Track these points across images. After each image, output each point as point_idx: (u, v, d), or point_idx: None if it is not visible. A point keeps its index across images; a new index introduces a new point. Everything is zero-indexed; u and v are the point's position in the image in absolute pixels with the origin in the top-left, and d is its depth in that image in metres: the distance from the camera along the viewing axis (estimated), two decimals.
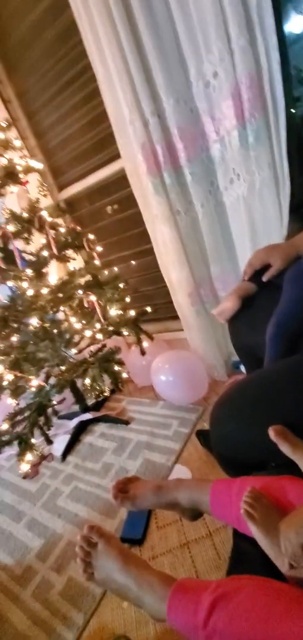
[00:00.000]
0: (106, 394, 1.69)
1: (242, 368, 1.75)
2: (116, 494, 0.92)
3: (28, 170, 1.74)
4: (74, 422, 1.94)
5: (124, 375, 1.66)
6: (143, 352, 1.62)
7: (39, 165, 1.78)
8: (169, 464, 1.50)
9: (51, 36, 1.90)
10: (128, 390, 2.09)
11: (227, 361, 1.83)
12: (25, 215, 1.68)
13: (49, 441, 1.74)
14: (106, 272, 1.70)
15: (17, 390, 1.75)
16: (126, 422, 1.84)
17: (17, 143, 1.77)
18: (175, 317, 1.91)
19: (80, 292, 1.64)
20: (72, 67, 1.91)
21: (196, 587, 0.63)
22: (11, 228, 1.64)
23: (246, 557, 0.71)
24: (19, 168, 1.71)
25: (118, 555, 0.74)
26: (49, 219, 1.70)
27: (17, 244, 1.70)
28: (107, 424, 1.92)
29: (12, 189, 1.77)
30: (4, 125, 1.73)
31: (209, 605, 0.56)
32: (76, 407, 2.02)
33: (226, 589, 0.58)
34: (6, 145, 1.71)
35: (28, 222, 1.68)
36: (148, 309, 1.75)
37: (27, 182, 1.76)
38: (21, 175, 1.73)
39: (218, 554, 1.12)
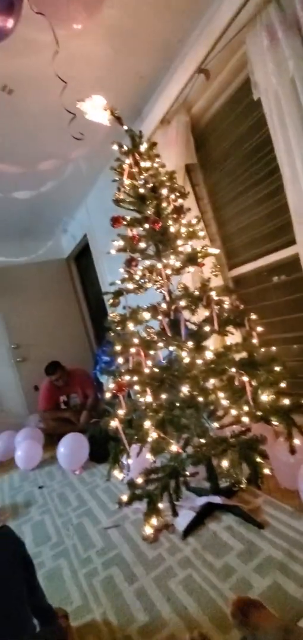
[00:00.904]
0: (242, 486, 1.50)
1: None
2: (236, 612, 0.77)
3: (206, 255, 1.92)
4: (202, 500, 1.76)
5: (266, 471, 1.45)
6: (292, 450, 1.38)
7: (216, 251, 1.93)
8: None
9: (245, 147, 2.17)
10: (268, 487, 1.75)
11: None
12: (196, 293, 1.82)
13: (174, 512, 1.64)
14: (262, 349, 1.61)
15: (156, 448, 1.77)
16: (260, 525, 1.53)
17: (201, 233, 2.00)
18: None
19: (233, 369, 1.59)
20: (260, 170, 2.10)
21: None
22: (182, 303, 1.80)
23: None
24: (199, 254, 1.91)
25: None
26: (216, 297, 1.79)
27: (183, 314, 1.84)
28: (237, 517, 1.66)
29: (190, 269, 1.98)
30: (194, 221, 2.00)
31: None
32: (207, 484, 1.85)
33: None
34: (193, 235, 1.95)
35: (198, 299, 1.81)
36: None
37: (203, 264, 1.94)
38: (200, 259, 1.92)
39: None
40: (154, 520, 1.57)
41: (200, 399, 1.63)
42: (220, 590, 1.32)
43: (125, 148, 1.93)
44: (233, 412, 1.55)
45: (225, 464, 1.49)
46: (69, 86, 1.70)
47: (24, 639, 1.09)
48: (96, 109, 1.84)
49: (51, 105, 2.15)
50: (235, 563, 1.42)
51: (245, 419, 1.51)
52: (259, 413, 1.46)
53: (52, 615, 1.28)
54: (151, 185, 1.91)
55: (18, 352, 4.63)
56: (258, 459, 1.45)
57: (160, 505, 1.59)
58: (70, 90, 1.70)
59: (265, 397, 1.45)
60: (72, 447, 2.93)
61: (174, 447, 1.62)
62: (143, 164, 1.93)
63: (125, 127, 1.94)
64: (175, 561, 1.53)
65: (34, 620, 1.20)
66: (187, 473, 1.65)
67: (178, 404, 1.72)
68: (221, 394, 1.56)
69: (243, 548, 1.48)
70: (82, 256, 4.94)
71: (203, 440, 1.60)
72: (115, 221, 1.89)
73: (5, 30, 1.39)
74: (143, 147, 1.95)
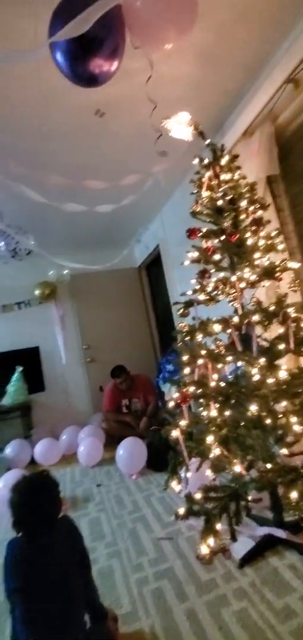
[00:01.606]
0: None
1: None
2: None
3: (285, 269, 1.81)
4: (263, 531, 1.63)
5: None
6: None
7: (296, 265, 1.82)
8: None
9: None
10: None
11: None
12: (272, 308, 1.73)
13: (233, 536, 1.55)
14: None
15: (218, 466, 1.71)
16: None
17: (280, 246, 1.89)
18: None
19: None
20: None
21: None
22: (256, 318, 1.72)
23: None
24: (277, 268, 1.81)
25: None
26: (294, 314, 1.67)
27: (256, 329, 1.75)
28: (302, 557, 1.50)
29: (265, 283, 1.89)
30: (274, 234, 1.91)
31: None
32: (269, 514, 1.72)
33: None
34: (271, 248, 1.86)
35: (273, 315, 1.71)
36: None
37: (281, 279, 1.83)
38: (277, 273, 1.81)
39: None
40: (211, 541, 1.51)
41: (268, 420, 1.53)
42: (278, 632, 1.20)
43: (206, 161, 1.94)
44: None
45: (293, 495, 1.36)
46: (157, 106, 1.76)
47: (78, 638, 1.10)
48: (180, 126, 1.89)
49: (137, 125, 2.26)
50: (298, 607, 1.28)
51: None
52: None
53: (104, 615, 1.27)
54: (229, 197, 1.88)
55: (88, 352, 4.90)
56: None
57: (218, 526, 1.52)
58: (158, 110, 1.77)
59: None
60: (131, 451, 2.97)
61: (237, 468, 1.54)
62: (223, 177, 1.91)
63: (207, 141, 1.95)
64: (230, 590, 1.44)
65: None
66: (249, 498, 1.55)
67: (243, 423, 1.64)
68: (293, 419, 1.45)
69: None
70: (153, 266, 5.06)
71: (269, 466, 1.50)
72: (191, 233, 1.90)
73: (110, 74, 1.46)
74: (224, 160, 1.94)
